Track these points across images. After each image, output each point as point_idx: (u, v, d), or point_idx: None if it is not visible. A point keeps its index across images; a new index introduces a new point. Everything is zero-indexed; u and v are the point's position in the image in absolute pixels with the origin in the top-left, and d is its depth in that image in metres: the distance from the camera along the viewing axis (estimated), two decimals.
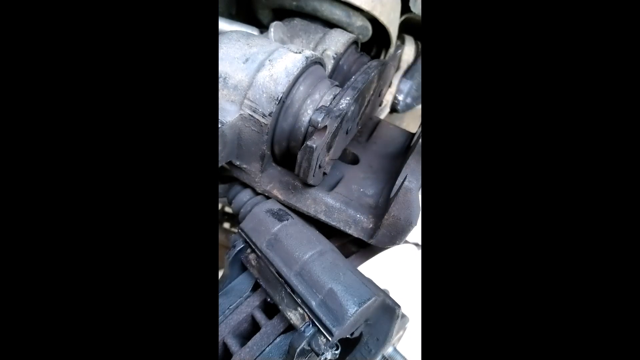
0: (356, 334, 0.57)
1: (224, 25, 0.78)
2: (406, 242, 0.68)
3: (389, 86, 1.01)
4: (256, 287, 0.63)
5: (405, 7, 1.07)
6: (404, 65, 0.88)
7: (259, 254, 0.61)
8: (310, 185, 0.67)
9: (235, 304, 0.61)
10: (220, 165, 0.66)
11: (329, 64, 0.81)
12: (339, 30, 0.86)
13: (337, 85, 0.69)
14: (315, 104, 0.65)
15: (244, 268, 0.65)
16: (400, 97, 0.65)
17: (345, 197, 0.69)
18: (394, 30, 1.00)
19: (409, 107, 0.67)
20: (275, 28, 0.75)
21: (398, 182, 0.65)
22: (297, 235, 0.61)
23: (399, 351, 0.62)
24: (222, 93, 0.63)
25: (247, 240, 0.63)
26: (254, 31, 0.78)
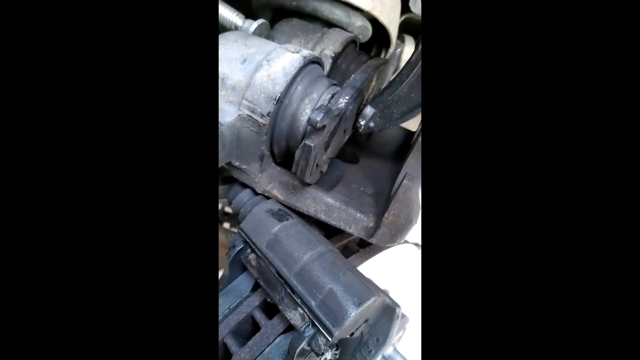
0: (356, 334, 0.57)
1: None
2: (406, 242, 0.68)
3: None
4: (256, 287, 0.63)
5: (405, 7, 1.07)
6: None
7: (259, 254, 0.61)
8: (310, 185, 0.67)
9: (235, 304, 0.61)
10: (219, 165, 0.66)
11: (327, 64, 0.81)
12: (337, 29, 0.86)
13: (335, 84, 0.69)
14: (313, 103, 0.65)
15: (244, 268, 0.65)
16: (362, 122, 0.67)
17: (345, 196, 0.69)
18: (394, 30, 1.00)
19: (370, 129, 0.69)
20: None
21: (398, 181, 0.65)
22: (297, 236, 0.61)
23: (399, 351, 0.62)
24: (220, 94, 0.63)
25: (247, 240, 0.63)
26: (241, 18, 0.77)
